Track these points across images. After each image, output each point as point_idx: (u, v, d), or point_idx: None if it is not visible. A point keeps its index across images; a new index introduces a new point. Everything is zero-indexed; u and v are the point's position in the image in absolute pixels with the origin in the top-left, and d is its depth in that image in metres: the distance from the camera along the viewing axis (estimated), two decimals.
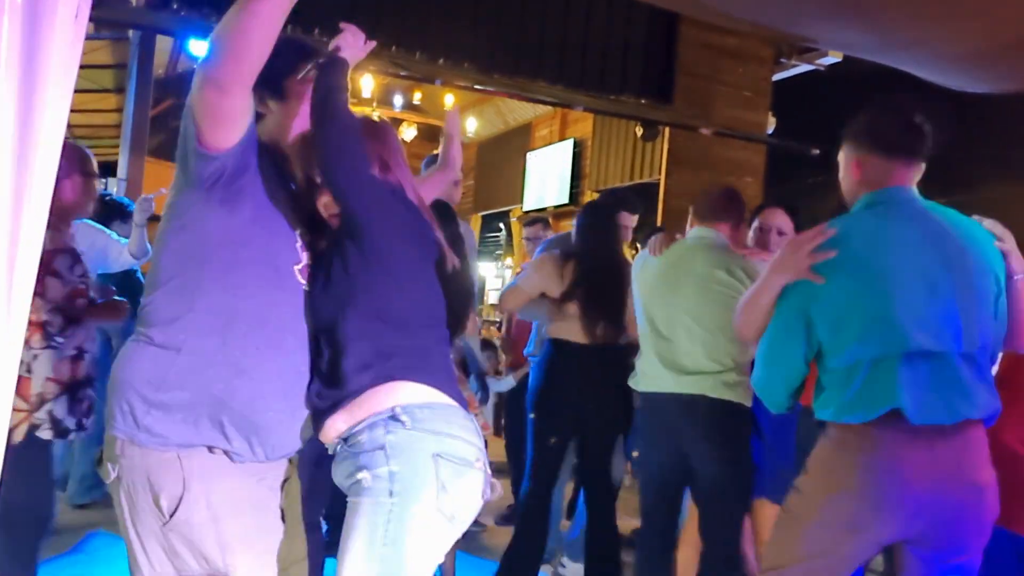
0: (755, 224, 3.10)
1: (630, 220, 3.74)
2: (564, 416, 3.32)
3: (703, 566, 2.87)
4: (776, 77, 7.12)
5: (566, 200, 8.49)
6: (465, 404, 1.77)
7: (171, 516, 1.54)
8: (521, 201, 9.49)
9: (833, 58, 6.95)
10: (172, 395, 1.55)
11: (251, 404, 1.58)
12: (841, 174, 2.15)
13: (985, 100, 7.01)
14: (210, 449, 1.57)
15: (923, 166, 2.09)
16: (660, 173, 6.75)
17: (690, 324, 2.78)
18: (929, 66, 6.00)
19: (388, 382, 1.66)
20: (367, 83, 8.66)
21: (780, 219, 3.04)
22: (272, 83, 1.70)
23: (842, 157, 2.15)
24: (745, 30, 6.16)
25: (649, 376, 2.88)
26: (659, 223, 6.34)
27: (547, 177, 8.97)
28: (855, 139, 2.10)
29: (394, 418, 1.63)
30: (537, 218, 5.14)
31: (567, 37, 5.87)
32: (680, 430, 2.79)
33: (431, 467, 1.62)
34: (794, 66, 7.12)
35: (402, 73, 5.57)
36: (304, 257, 1.71)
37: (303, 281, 1.69)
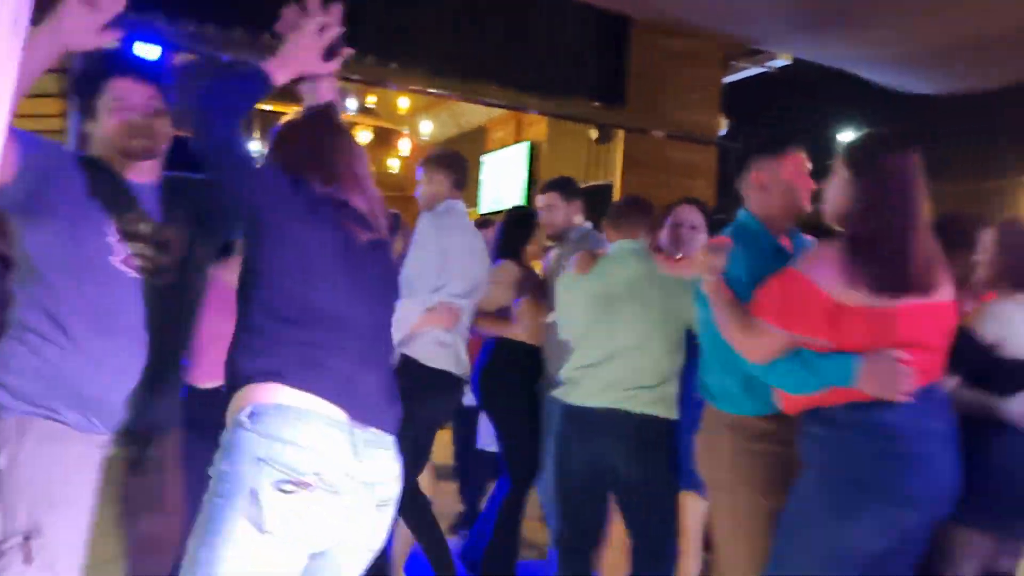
0: (669, 220, 3.13)
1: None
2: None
3: (634, 563, 2.90)
4: (727, 79, 7.22)
5: (522, 203, 8.50)
6: (367, 412, 1.69)
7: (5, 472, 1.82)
8: (477, 204, 9.49)
9: (783, 60, 7.07)
10: (16, 375, 1.87)
11: (80, 381, 1.86)
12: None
13: (932, 102, 7.19)
14: (51, 419, 1.85)
15: None
16: (615, 175, 6.79)
17: (626, 340, 2.79)
18: (876, 67, 6.14)
19: (258, 380, 1.64)
20: None
21: (692, 215, 3.05)
22: (83, 106, 1.99)
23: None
24: (695, 33, 6.23)
25: (581, 389, 2.87)
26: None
27: (503, 180, 8.97)
28: None
29: (242, 418, 1.61)
30: (489, 220, 5.14)
31: (519, 40, 5.88)
32: (609, 444, 2.81)
33: (252, 472, 1.56)
34: (744, 68, 7.23)
35: (354, 77, 5.54)
36: (122, 249, 1.91)
37: (129, 270, 1.91)
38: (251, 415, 1.61)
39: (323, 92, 1.94)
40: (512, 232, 3.73)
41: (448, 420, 4.02)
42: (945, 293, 2.09)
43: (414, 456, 2.84)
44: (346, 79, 5.75)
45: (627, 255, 2.89)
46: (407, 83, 5.62)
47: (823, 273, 2.00)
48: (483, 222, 4.98)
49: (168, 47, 4.75)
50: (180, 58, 4.89)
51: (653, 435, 2.79)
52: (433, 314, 3.10)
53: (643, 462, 2.79)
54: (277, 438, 1.58)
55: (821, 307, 1.99)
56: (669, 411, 2.80)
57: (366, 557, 1.75)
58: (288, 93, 2.00)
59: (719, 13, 5.49)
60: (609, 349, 2.82)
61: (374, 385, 1.76)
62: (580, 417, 2.86)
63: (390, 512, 1.77)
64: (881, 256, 1.98)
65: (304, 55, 1.86)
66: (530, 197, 8.43)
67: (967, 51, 5.30)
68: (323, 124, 1.89)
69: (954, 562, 2.47)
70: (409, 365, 3.08)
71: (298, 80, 1.91)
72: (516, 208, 4.42)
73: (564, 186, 3.74)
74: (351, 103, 9.87)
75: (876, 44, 5.37)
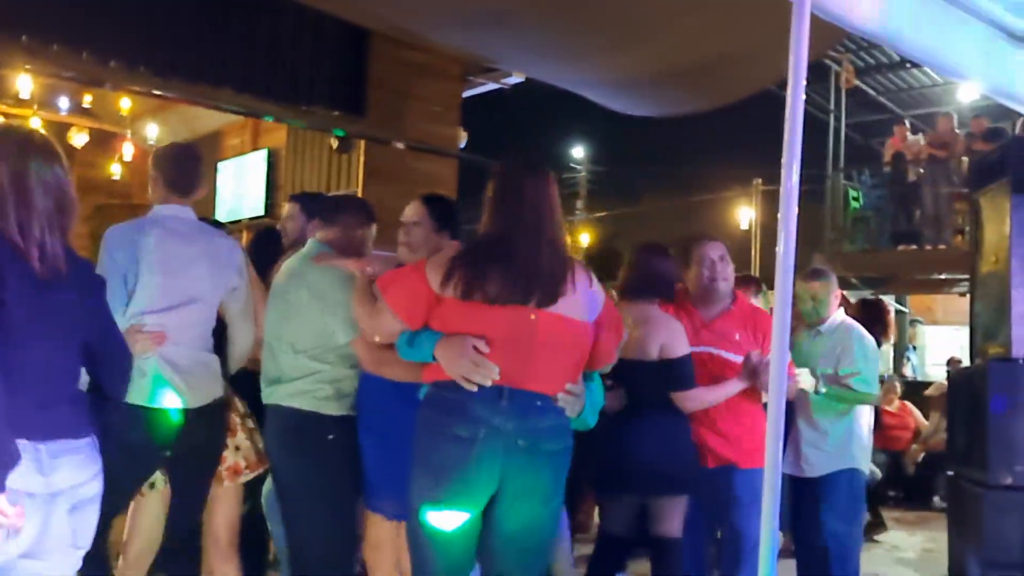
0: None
1: None
2: None
3: None
4: (466, 93, 7.43)
5: (262, 211, 8.18)
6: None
7: None
8: (213, 213, 8.99)
9: (516, 78, 7.40)
10: None
11: None
12: None
13: (654, 122, 7.86)
14: None
15: None
16: (357, 185, 6.74)
17: (283, 337, 2.81)
18: (599, 90, 6.60)
19: None
20: (25, 83, 7.70)
21: (415, 211, 2.99)
22: None
23: None
24: (434, 47, 6.35)
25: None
26: None
27: (241, 188, 8.59)
28: None
29: None
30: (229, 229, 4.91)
31: (255, 45, 5.67)
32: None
33: None
34: (481, 84, 7.49)
35: (66, 74, 5.04)
36: None
37: None
38: None
39: None
40: (259, 253, 3.53)
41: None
42: (572, 305, 2.30)
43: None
44: (58, 76, 5.24)
45: (301, 253, 2.92)
46: (128, 83, 5.20)
47: (436, 270, 2.28)
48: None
49: None
50: None
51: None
52: (129, 339, 2.56)
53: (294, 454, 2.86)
54: None
55: (425, 297, 2.29)
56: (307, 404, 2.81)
57: (74, 555, 2.00)
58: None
59: (454, 31, 5.64)
60: (278, 343, 2.86)
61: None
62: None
63: (92, 510, 2.01)
64: (505, 266, 2.25)
65: None
66: (270, 206, 8.15)
67: (677, 77, 5.84)
68: None
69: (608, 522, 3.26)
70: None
71: None
72: (265, 228, 4.24)
73: (306, 201, 3.63)
74: (63, 102, 8.97)
75: (598, 69, 5.77)
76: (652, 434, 3.08)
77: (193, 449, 2.81)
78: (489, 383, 2.21)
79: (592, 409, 2.46)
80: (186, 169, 2.93)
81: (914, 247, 10.88)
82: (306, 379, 2.74)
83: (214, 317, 2.92)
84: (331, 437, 2.76)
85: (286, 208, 3.66)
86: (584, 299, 2.34)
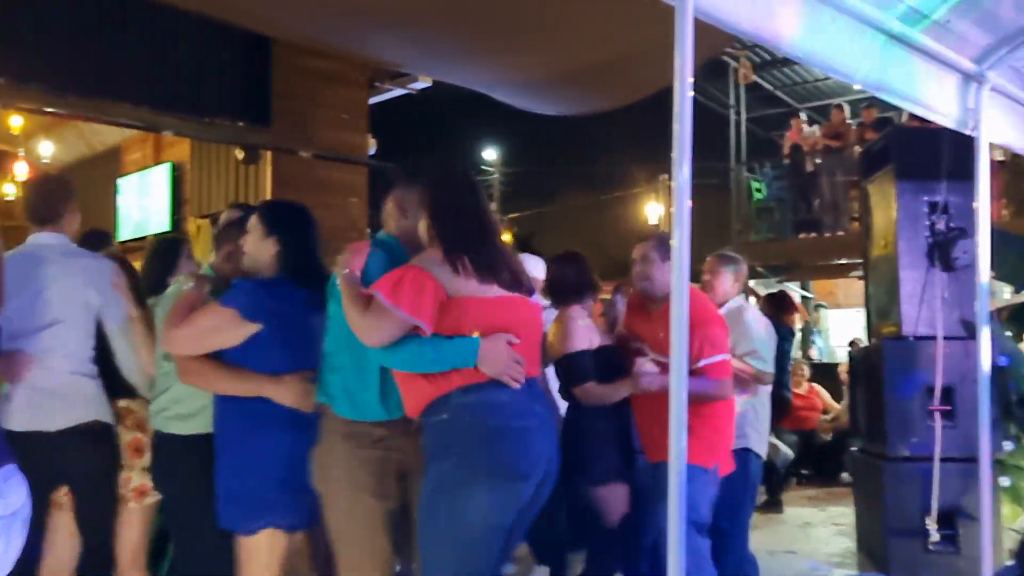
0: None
1: None
2: None
3: None
4: (373, 100, 7.40)
5: (167, 227, 7.97)
6: None
7: None
8: (115, 230, 8.72)
9: (423, 83, 7.41)
10: None
11: None
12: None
13: (563, 122, 7.98)
14: None
15: None
16: (266, 196, 6.64)
17: None
18: (504, 90, 6.67)
19: None
20: None
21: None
22: None
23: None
24: (337, 54, 6.31)
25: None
26: None
27: (144, 204, 8.35)
28: None
29: None
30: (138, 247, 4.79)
31: (153, 57, 5.53)
32: None
33: None
34: (388, 90, 7.47)
35: None
36: None
37: None
38: None
39: None
40: (156, 264, 3.46)
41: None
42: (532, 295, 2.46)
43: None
44: None
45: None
46: (18, 101, 5.02)
47: (437, 269, 2.25)
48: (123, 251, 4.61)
49: None
50: None
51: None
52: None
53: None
54: None
55: (435, 296, 2.22)
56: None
57: None
58: None
59: (357, 36, 5.62)
60: None
61: None
62: None
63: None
64: (478, 252, 2.29)
65: None
66: (176, 221, 7.95)
67: (580, 77, 5.95)
68: None
69: (607, 513, 3.15)
70: None
71: None
72: (160, 238, 4.14)
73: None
74: None
75: (502, 70, 5.84)
76: (568, 426, 3.22)
77: (76, 471, 2.83)
78: (523, 377, 2.26)
79: None
80: (50, 200, 2.98)
81: (814, 235, 11.33)
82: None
83: (89, 338, 2.90)
84: None
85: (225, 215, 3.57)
86: None
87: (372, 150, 7.26)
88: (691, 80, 2.02)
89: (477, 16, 4.84)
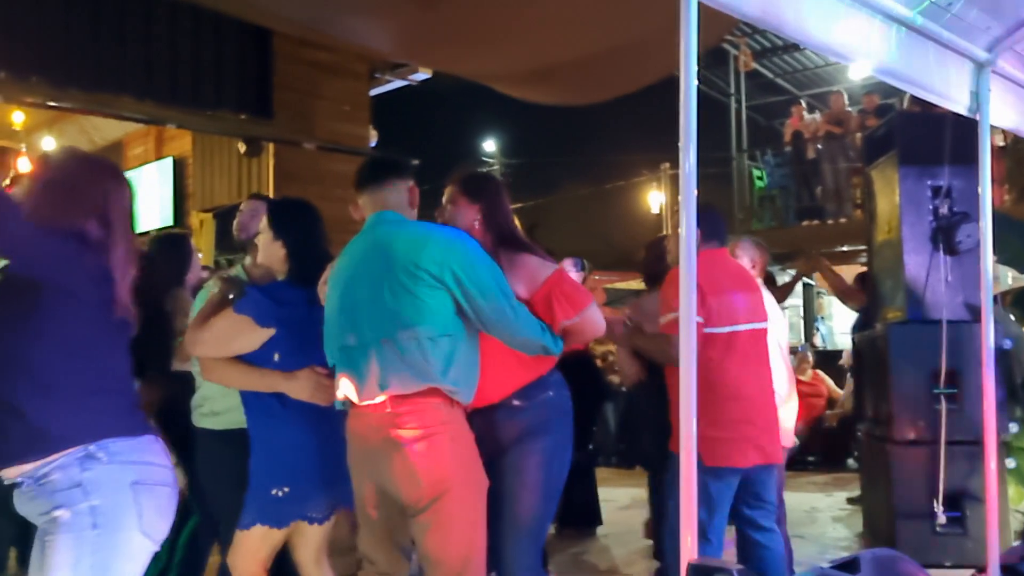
0: None
1: None
2: None
3: None
4: (374, 91, 7.39)
5: (170, 222, 7.99)
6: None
7: None
8: None
9: (424, 74, 7.40)
10: None
11: None
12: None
13: (564, 112, 7.97)
14: None
15: (384, 192, 2.71)
16: (269, 189, 6.65)
17: None
18: (506, 81, 6.67)
19: None
20: None
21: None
22: None
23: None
24: (338, 46, 6.30)
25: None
26: None
27: (146, 199, 8.36)
28: None
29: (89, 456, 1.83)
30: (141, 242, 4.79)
31: (155, 50, 5.52)
32: None
33: (130, 496, 1.86)
34: (389, 81, 7.46)
35: None
36: None
37: None
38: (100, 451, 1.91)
39: None
40: (172, 261, 3.47)
41: None
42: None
43: None
44: None
45: None
46: (20, 95, 5.01)
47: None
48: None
49: None
50: None
51: None
52: None
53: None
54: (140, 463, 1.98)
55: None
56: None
57: None
58: None
59: (356, 28, 5.62)
60: None
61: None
62: None
63: None
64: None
65: None
66: (179, 215, 7.96)
67: (582, 66, 5.94)
68: None
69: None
70: None
71: None
72: (165, 233, 4.13)
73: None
74: None
75: (507, 59, 5.82)
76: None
77: None
78: None
79: None
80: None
81: (817, 222, 11.32)
82: None
83: None
84: None
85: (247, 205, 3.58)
86: None
87: (373, 142, 7.26)
88: (696, 67, 2.02)
89: (477, 5, 4.83)
